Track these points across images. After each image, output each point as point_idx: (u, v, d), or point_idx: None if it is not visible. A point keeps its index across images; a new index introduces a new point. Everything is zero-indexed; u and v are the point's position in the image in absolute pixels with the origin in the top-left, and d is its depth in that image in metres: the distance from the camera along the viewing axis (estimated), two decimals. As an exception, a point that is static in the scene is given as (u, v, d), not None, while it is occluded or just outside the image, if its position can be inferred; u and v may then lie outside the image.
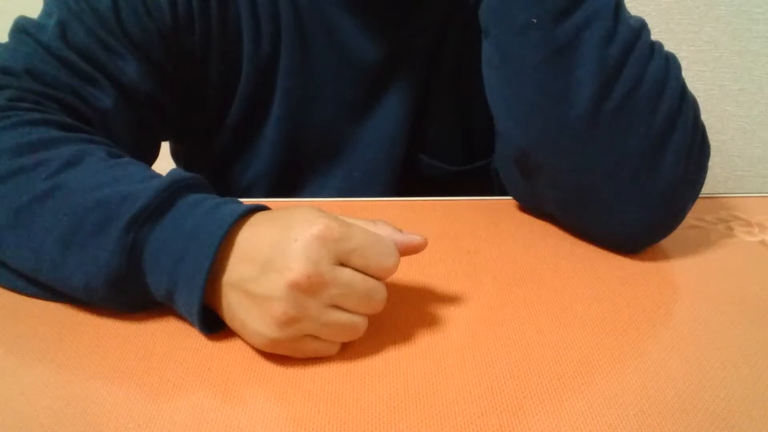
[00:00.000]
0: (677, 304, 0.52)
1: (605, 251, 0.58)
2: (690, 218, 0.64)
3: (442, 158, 0.71)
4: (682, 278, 0.55)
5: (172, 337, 0.45)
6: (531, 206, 0.64)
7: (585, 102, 0.52)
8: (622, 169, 0.53)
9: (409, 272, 0.53)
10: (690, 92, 0.56)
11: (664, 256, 0.58)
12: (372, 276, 0.42)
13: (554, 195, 0.58)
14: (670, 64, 0.55)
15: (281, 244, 0.40)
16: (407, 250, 0.45)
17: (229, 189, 0.71)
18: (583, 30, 0.52)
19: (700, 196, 0.58)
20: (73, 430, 0.37)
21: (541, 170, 0.57)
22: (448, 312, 0.49)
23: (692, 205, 0.57)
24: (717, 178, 1.27)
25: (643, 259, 0.57)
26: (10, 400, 0.39)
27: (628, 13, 0.55)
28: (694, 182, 0.56)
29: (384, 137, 0.68)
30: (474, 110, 0.70)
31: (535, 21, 0.52)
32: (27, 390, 0.40)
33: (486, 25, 0.56)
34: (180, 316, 0.46)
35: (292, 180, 0.70)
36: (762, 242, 0.61)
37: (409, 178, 0.70)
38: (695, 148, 0.55)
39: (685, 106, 0.54)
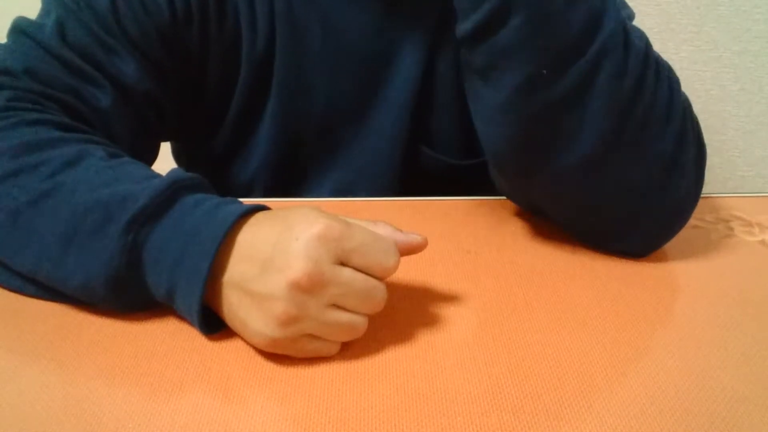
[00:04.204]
0: (677, 304, 0.52)
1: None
2: (690, 218, 0.64)
3: (443, 151, 0.71)
4: (682, 278, 0.55)
5: (172, 337, 0.45)
6: (528, 210, 0.64)
7: (597, 139, 0.50)
8: (631, 194, 0.53)
9: (409, 272, 0.53)
10: (684, 98, 0.55)
11: (664, 256, 0.58)
12: (372, 276, 0.42)
13: (558, 217, 0.59)
14: (672, 83, 0.53)
15: (282, 243, 0.40)
16: (407, 250, 0.45)
17: (230, 186, 0.71)
18: (595, 70, 0.48)
19: (701, 196, 0.58)
20: (73, 430, 0.37)
21: (544, 198, 0.57)
22: (448, 312, 0.49)
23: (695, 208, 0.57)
24: (717, 178, 1.27)
25: (643, 259, 0.57)
26: (10, 400, 0.39)
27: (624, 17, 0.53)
28: (698, 189, 0.56)
29: (385, 129, 0.68)
30: None
31: (545, 72, 0.48)
32: (27, 390, 0.40)
33: (483, 70, 0.51)
34: (180, 316, 0.46)
35: (292, 174, 0.70)
36: (762, 242, 0.61)
37: (410, 172, 0.70)
38: (700, 156, 0.55)
39: (689, 121, 0.54)
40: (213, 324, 0.44)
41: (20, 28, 0.55)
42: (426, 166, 0.71)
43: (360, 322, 0.42)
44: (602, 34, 0.48)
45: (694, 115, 0.56)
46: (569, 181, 0.53)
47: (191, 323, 0.44)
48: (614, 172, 0.52)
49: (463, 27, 0.50)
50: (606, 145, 0.50)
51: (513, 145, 0.53)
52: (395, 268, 0.43)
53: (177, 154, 0.79)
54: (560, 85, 0.48)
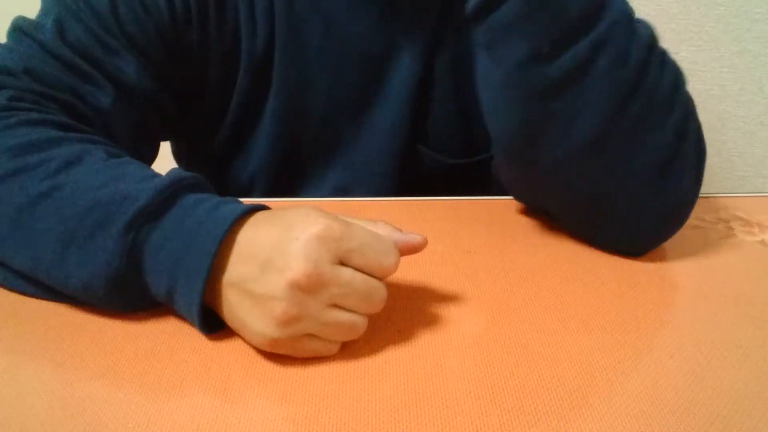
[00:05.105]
0: (677, 304, 0.52)
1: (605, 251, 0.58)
2: (690, 218, 0.64)
3: (441, 150, 0.71)
4: (682, 278, 0.55)
5: (172, 337, 0.45)
6: (531, 206, 0.64)
7: (597, 126, 0.51)
8: (633, 183, 0.53)
9: (409, 272, 0.53)
10: (690, 97, 0.55)
11: (664, 256, 0.58)
12: (372, 275, 0.42)
13: (560, 207, 0.58)
14: (678, 77, 0.54)
15: (282, 243, 0.40)
16: (407, 250, 0.45)
17: (230, 185, 0.71)
18: (595, 53, 0.49)
19: (700, 195, 0.58)
20: (73, 430, 0.37)
21: (548, 187, 0.56)
22: (448, 312, 0.49)
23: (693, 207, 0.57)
24: (717, 178, 1.27)
25: (643, 259, 0.57)
26: (9, 400, 0.39)
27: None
28: (696, 190, 0.57)
29: (384, 128, 0.68)
30: (474, 103, 0.69)
31: (546, 50, 0.49)
32: (26, 390, 0.40)
33: (482, 44, 0.53)
34: (180, 316, 0.45)
35: (292, 173, 0.70)
36: (762, 242, 0.61)
37: (409, 171, 0.70)
38: (700, 155, 0.55)
39: (691, 119, 0.54)
40: (213, 324, 0.44)
41: (20, 28, 0.55)
42: (425, 166, 0.71)
43: (360, 322, 0.42)
44: (605, 21, 0.49)
45: (698, 117, 0.56)
46: (570, 169, 0.53)
47: (191, 323, 0.44)
48: (614, 160, 0.52)
49: (469, 4, 0.51)
50: (605, 131, 0.51)
51: (516, 126, 0.53)
52: (395, 268, 0.43)
53: (177, 154, 0.79)
54: (559, 65, 0.49)
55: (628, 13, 0.52)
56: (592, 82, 0.50)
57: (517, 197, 0.64)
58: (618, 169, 0.53)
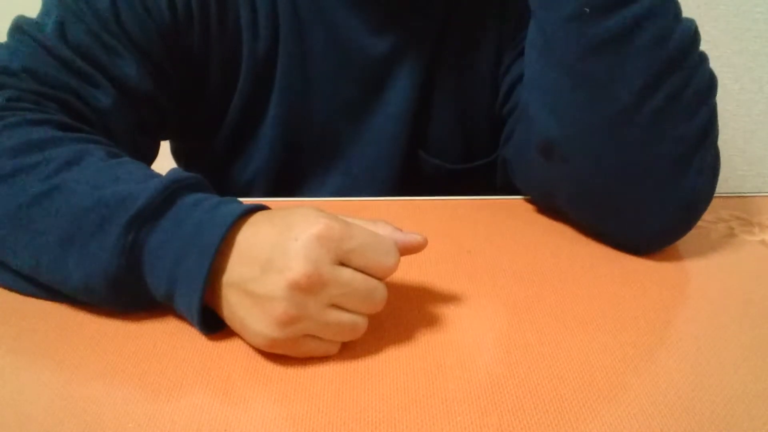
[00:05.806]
0: (677, 304, 0.52)
1: (606, 251, 0.58)
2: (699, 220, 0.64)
3: (441, 156, 0.71)
4: (682, 278, 0.55)
5: (172, 337, 0.45)
6: (539, 198, 0.64)
7: (627, 98, 0.51)
8: (651, 171, 0.53)
9: (409, 272, 0.53)
10: (716, 107, 0.56)
11: (665, 256, 0.58)
12: (372, 275, 0.42)
13: (574, 190, 0.57)
14: (712, 82, 0.54)
15: (281, 243, 0.40)
16: (407, 250, 0.45)
17: (230, 187, 0.71)
18: (638, 25, 0.50)
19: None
20: (73, 430, 0.37)
21: (566, 163, 0.55)
22: (448, 312, 0.49)
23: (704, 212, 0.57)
24: (717, 177, 1.26)
25: (643, 259, 0.57)
26: (9, 400, 0.39)
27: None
28: (711, 190, 0.56)
29: (384, 134, 0.68)
30: (474, 109, 0.70)
31: (587, 10, 0.50)
32: (27, 390, 0.40)
33: (533, 5, 0.55)
34: (180, 316, 0.46)
35: (292, 177, 0.70)
36: (762, 242, 0.61)
37: (409, 176, 0.70)
38: (716, 163, 0.56)
39: (715, 125, 0.55)
40: (213, 324, 0.44)
41: (20, 28, 0.55)
42: (425, 171, 0.71)
43: (360, 322, 0.42)
44: None
45: (718, 128, 0.56)
46: (593, 145, 0.53)
47: (191, 323, 0.44)
48: (637, 142, 0.52)
49: None
50: (635, 105, 0.51)
51: (551, 86, 0.54)
52: (395, 268, 0.43)
53: (177, 154, 0.79)
54: (603, 27, 0.50)
55: (676, 1, 0.53)
56: (631, 53, 0.50)
57: (531, 187, 0.63)
58: (639, 154, 0.53)
